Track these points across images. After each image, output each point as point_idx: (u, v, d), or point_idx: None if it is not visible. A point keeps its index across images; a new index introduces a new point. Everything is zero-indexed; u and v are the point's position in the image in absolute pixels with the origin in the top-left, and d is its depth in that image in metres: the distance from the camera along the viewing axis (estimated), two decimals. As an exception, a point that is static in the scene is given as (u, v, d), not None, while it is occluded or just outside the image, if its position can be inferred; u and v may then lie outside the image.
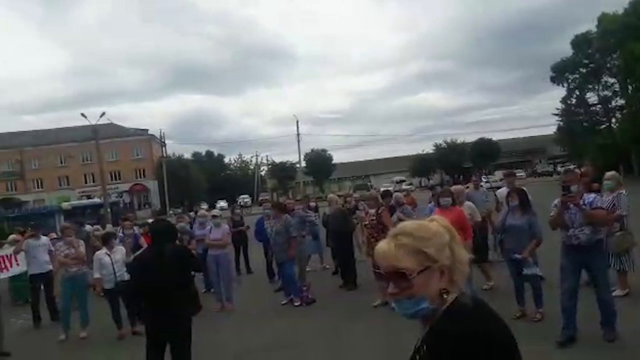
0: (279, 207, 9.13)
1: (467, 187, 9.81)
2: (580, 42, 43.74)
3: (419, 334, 1.46)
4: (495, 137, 67.14)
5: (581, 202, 5.14)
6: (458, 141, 66.85)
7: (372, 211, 7.72)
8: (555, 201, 5.39)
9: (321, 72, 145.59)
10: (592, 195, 5.43)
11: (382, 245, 1.40)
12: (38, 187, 60.24)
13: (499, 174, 50.02)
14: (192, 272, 5.15)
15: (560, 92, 47.97)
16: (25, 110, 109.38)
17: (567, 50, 45.67)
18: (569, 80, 46.38)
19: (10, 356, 7.10)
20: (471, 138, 67.18)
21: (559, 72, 45.80)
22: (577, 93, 46.58)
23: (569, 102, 47.41)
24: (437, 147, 67.19)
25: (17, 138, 59.26)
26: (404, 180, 60.65)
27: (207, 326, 7.72)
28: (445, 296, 1.33)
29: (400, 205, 8.97)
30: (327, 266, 11.06)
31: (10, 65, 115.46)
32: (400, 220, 8.44)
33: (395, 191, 12.27)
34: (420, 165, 67.29)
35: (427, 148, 70.72)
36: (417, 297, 1.33)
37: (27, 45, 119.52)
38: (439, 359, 1.30)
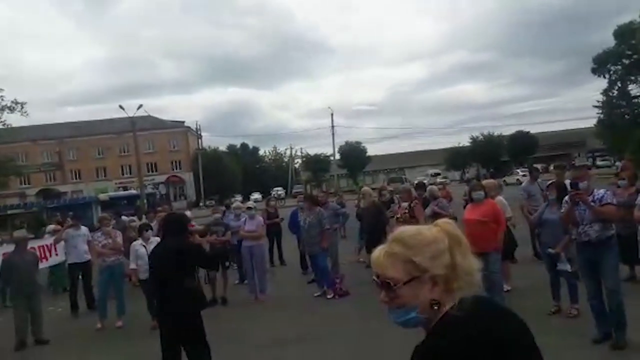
0: (311, 200, 9.08)
1: (504, 181, 9.68)
2: (624, 33, 41.96)
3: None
4: (533, 130, 65.51)
5: (590, 199, 5.07)
6: (495, 134, 65.42)
7: (405, 204, 7.56)
8: (566, 198, 5.37)
9: (356, 63, 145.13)
10: (602, 190, 5.28)
11: (376, 252, 1.37)
12: (76, 178, 61.88)
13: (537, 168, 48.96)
14: (197, 268, 4.90)
15: (602, 83, 46.19)
16: (65, 102, 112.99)
17: (609, 41, 43.98)
18: (611, 72, 44.64)
19: (49, 343, 7.31)
20: (509, 131, 65.74)
21: (601, 64, 44.12)
22: (619, 85, 44.79)
23: (610, 94, 45.65)
24: (474, 140, 65.87)
25: (57, 129, 60.87)
26: (439, 174, 59.63)
27: (241, 317, 7.78)
28: (435, 307, 1.28)
29: (435, 198, 8.75)
30: (362, 259, 10.94)
31: (50, 58, 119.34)
32: (436, 213, 8.25)
33: (430, 184, 12.01)
34: (455, 159, 66.10)
35: (463, 141, 69.62)
36: (406, 306, 1.30)
37: (67, 38, 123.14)
38: None
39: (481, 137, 65.58)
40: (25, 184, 56.33)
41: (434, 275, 1.27)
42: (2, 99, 33.12)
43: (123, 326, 7.76)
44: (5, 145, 41.24)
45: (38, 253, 9.58)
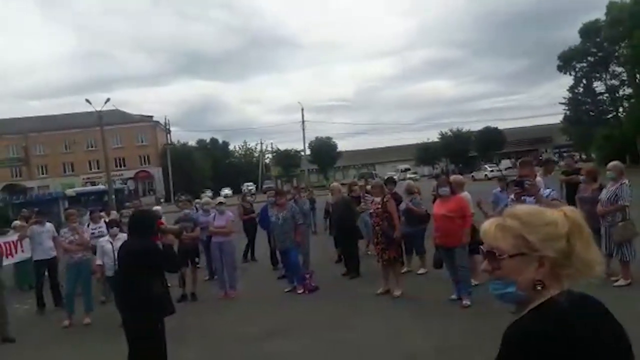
0: (280, 193, 9.16)
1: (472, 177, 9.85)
2: (589, 30, 43.29)
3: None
4: (501, 125, 66.87)
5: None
6: (464, 130, 66.57)
7: (378, 199, 7.68)
8: (511, 196, 5.49)
9: (326, 59, 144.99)
10: (548, 190, 5.52)
11: (487, 223, 1.38)
12: (43, 173, 60.31)
13: (506, 163, 50.06)
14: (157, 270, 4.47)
15: (568, 80, 47.68)
16: (31, 95, 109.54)
17: (575, 39, 45.30)
18: (577, 69, 46.04)
19: (15, 342, 7.17)
20: (477, 127, 66.92)
21: (567, 61, 45.43)
22: (584, 82, 46.27)
23: (576, 91, 47.12)
24: (443, 135, 66.93)
25: (22, 123, 59.11)
26: (409, 169, 60.54)
27: (210, 313, 7.79)
28: (539, 288, 1.27)
29: (411, 194, 8.91)
30: (370, 252, 10.77)
31: (15, 50, 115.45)
32: (409, 209, 8.43)
33: (400, 179, 12.21)
34: (425, 154, 67.09)
35: (433, 137, 70.55)
36: (505, 280, 1.31)
37: (31, 30, 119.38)
38: (503, 352, 1.26)
39: (450, 132, 66.70)
40: (-12, 179, 54.55)
41: (543, 256, 1.27)
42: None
43: (91, 323, 7.68)
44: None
45: (3, 249, 9.37)
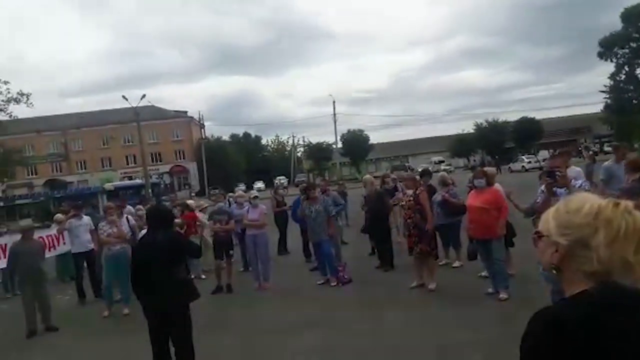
0: (311, 186, 9.11)
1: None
2: (631, 15, 41.51)
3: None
4: (538, 116, 65.14)
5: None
6: (500, 120, 65.05)
7: (410, 192, 7.58)
8: (542, 187, 5.33)
9: (359, 50, 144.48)
10: (580, 181, 5.32)
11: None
12: (82, 168, 62.19)
13: (544, 154, 48.68)
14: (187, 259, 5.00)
15: (608, 68, 45.83)
16: (70, 93, 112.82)
17: (616, 24, 43.53)
18: (618, 56, 44.21)
19: (58, 330, 7.43)
20: (513, 117, 65.32)
21: (608, 47, 43.71)
22: (627, 69, 44.38)
23: (617, 78, 45.24)
24: (478, 126, 65.52)
25: (62, 120, 60.99)
26: (443, 161, 59.63)
27: (245, 304, 7.87)
28: (553, 272, 1.31)
29: (445, 185, 8.76)
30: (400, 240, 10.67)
31: (56, 50, 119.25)
32: (445, 200, 8.29)
33: (434, 171, 12.01)
34: (460, 146, 65.83)
35: (468, 128, 69.25)
36: (539, 257, 1.38)
37: (71, 29, 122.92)
38: (524, 336, 1.27)
39: (485, 123, 65.21)
40: (32, 174, 56.69)
41: (555, 242, 1.30)
42: (8, 91, 33.18)
43: (130, 313, 7.87)
44: (12, 136, 41.39)
45: (46, 242, 9.69)
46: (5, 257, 9.85)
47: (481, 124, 65.46)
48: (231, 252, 9.07)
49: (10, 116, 34.24)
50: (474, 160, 62.28)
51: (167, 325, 4.53)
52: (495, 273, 6.64)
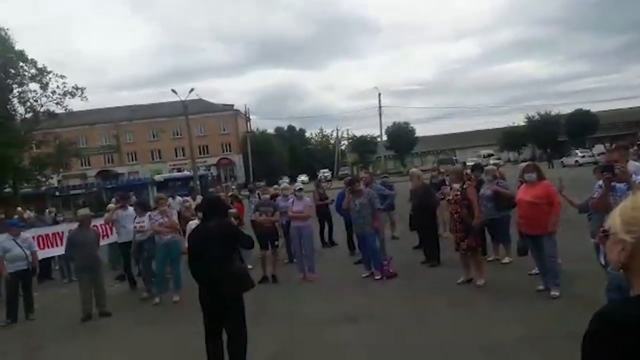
0: (353, 181, 9.05)
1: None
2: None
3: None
4: (593, 108, 62.37)
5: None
6: (552, 113, 62.69)
7: (457, 186, 7.42)
8: (599, 182, 5.13)
9: (405, 41, 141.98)
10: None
11: None
12: (132, 160, 64.34)
13: (599, 148, 46.59)
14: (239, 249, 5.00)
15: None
16: (121, 86, 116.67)
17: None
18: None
19: (111, 316, 7.76)
20: (567, 109, 62.80)
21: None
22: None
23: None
24: (529, 119, 63.39)
25: (114, 113, 63.27)
26: (492, 155, 57.92)
27: (291, 295, 7.94)
28: (621, 270, 1.29)
29: (494, 178, 8.54)
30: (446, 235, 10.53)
31: (108, 45, 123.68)
32: (497, 193, 8.07)
33: (484, 165, 11.69)
34: (510, 139, 63.87)
35: (518, 120, 67.12)
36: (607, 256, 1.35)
37: (122, 25, 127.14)
38: (586, 332, 1.24)
39: (537, 116, 63.00)
40: (85, 165, 59.13)
41: (622, 240, 1.27)
42: (64, 85, 34.67)
43: (180, 301, 8.11)
44: (67, 129, 43.29)
45: (100, 231, 10.09)
46: (62, 245, 10.38)
47: (533, 116, 63.35)
48: (276, 243, 9.17)
49: (66, 109, 35.79)
50: (521, 153, 60.33)
51: (221, 313, 4.64)
52: (547, 270, 6.43)
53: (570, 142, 59.30)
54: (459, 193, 7.29)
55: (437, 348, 5.10)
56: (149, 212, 8.79)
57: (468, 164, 20.16)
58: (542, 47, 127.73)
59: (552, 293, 6.23)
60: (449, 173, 8.95)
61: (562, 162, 42.64)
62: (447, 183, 10.75)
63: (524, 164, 8.33)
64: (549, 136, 60.30)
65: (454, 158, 52.41)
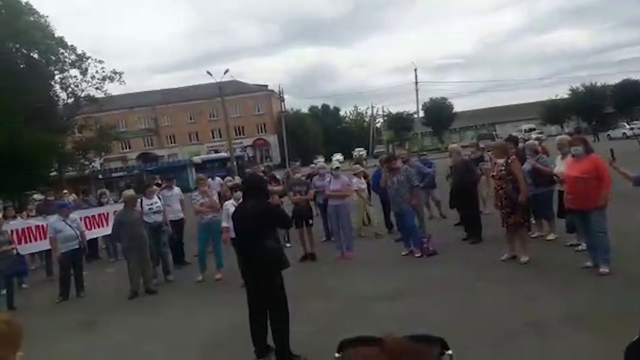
0: (389, 159, 8.91)
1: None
2: None
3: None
4: (642, 78, 59.17)
5: None
6: (598, 84, 60.08)
7: (501, 161, 7.22)
8: None
9: (441, 13, 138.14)
10: None
11: None
12: (171, 143, 65.68)
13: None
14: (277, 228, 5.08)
15: None
16: (158, 69, 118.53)
17: None
18: None
19: (157, 293, 8.00)
20: (614, 80, 60.01)
21: None
22: None
23: None
24: (573, 91, 60.94)
25: (152, 96, 64.40)
26: (534, 129, 56.07)
27: (330, 274, 7.98)
28: None
29: (536, 153, 8.27)
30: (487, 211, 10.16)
31: (144, 28, 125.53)
32: (536, 169, 7.83)
33: (524, 140, 11.32)
34: (552, 112, 61.53)
35: (562, 93, 64.64)
36: None
37: (158, 8, 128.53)
38: None
39: (582, 87, 60.50)
40: (126, 148, 60.77)
41: None
42: (103, 70, 35.47)
43: (222, 278, 8.28)
44: (107, 113, 44.44)
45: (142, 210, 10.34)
46: (107, 225, 10.72)
47: (577, 88, 60.83)
48: (311, 221, 9.19)
49: (105, 94, 36.68)
50: (566, 128, 58.19)
51: (261, 291, 4.73)
52: (596, 245, 6.21)
53: (617, 114, 56.81)
54: (503, 168, 7.09)
55: (483, 325, 5.02)
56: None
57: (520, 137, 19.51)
58: (587, 16, 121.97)
59: (602, 269, 6.02)
60: (491, 148, 8.70)
61: (608, 134, 40.99)
62: (485, 159, 10.51)
63: (559, 137, 8.05)
64: (595, 108, 57.85)
65: (494, 133, 51.09)
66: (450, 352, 1.12)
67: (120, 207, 9.46)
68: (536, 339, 4.57)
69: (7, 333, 1.48)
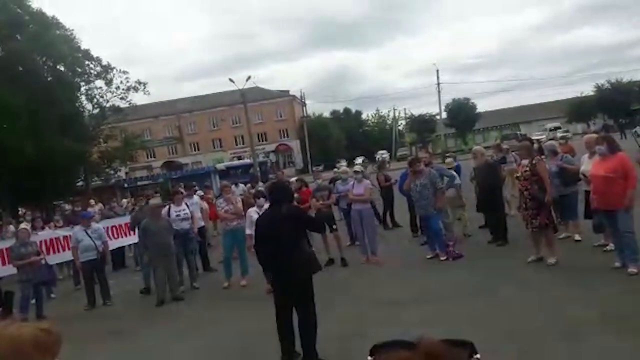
0: (413, 162, 8.88)
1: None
2: None
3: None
4: (671, 72, 57.60)
5: None
6: (624, 80, 58.65)
7: (525, 162, 7.14)
8: None
9: (463, 13, 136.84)
10: None
11: None
12: (195, 150, 66.45)
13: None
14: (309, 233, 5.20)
15: None
16: (182, 77, 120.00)
17: None
18: None
19: (183, 300, 8.13)
20: (640, 76, 58.41)
21: None
22: None
23: None
24: (599, 88, 59.63)
25: (175, 105, 65.29)
26: (559, 127, 55.03)
27: (355, 277, 7.98)
28: None
29: (555, 154, 8.15)
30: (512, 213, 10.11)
31: (168, 37, 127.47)
32: (562, 169, 7.72)
33: (550, 139, 11.16)
34: (578, 110, 60.26)
35: (587, 90, 63.31)
36: None
37: (177, 15, 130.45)
38: None
39: (608, 84, 59.17)
40: (150, 157, 61.76)
41: None
42: (127, 80, 36.18)
43: (247, 285, 8.35)
44: (132, 122, 45.25)
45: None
46: (134, 234, 10.92)
47: (602, 85, 59.54)
48: (334, 226, 9.20)
49: (130, 104, 37.37)
50: (593, 126, 56.94)
51: (291, 295, 4.78)
52: (624, 246, 6.09)
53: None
54: (528, 169, 7.01)
55: (510, 329, 4.95)
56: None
57: (534, 138, 19.27)
58: (613, 11, 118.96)
59: (630, 270, 5.90)
60: (516, 149, 8.60)
61: (635, 131, 39.97)
62: (507, 160, 10.38)
63: (586, 136, 7.91)
64: (621, 105, 56.47)
65: (518, 133, 50.30)
66: (478, 355, 1.13)
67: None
68: (565, 342, 4.50)
69: (46, 340, 1.55)
